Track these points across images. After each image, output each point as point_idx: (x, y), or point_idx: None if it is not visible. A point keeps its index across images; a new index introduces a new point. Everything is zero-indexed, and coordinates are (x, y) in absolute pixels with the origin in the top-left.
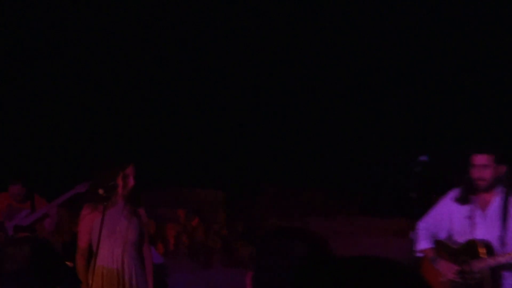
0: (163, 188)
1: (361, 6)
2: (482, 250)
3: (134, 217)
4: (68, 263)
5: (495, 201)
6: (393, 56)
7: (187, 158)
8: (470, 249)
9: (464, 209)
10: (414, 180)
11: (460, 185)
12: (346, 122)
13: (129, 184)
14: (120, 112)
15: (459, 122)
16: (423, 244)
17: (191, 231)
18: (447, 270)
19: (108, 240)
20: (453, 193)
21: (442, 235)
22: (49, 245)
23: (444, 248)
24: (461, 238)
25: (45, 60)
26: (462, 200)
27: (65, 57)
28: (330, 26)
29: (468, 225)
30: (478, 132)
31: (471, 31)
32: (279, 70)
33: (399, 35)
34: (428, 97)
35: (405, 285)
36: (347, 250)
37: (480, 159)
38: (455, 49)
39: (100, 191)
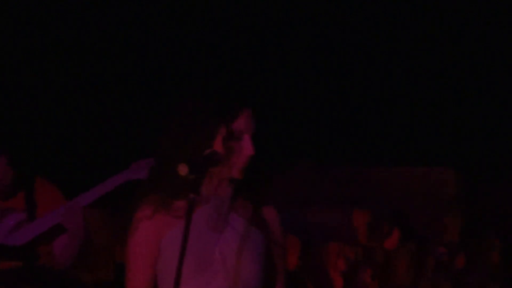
0: (315, 166)
1: None
2: None
3: (252, 229)
4: None
5: None
6: None
7: None
8: None
9: None
10: None
11: None
12: None
13: (242, 153)
14: None
15: None
16: None
17: (384, 262)
18: None
19: (197, 280)
20: None
21: None
22: None
23: None
24: None
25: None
26: None
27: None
28: None
29: None
30: None
31: None
32: None
33: None
34: None
35: None
36: None
37: None
38: None
39: (182, 170)
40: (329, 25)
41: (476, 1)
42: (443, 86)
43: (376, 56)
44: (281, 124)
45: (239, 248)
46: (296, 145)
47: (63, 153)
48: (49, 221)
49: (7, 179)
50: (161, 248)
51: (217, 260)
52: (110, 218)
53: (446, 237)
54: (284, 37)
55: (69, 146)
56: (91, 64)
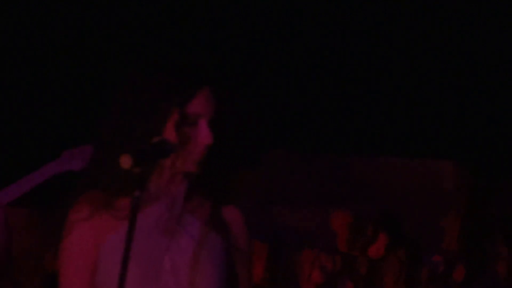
0: (287, 156)
1: None
2: None
3: (210, 233)
4: None
5: None
6: None
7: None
8: None
9: None
10: None
11: None
12: None
13: (198, 141)
14: None
15: None
16: None
17: (367, 273)
18: None
19: None
20: None
21: None
22: None
23: None
24: None
25: None
26: None
27: None
28: None
29: None
30: None
31: None
32: None
33: None
34: None
35: None
36: None
37: None
38: None
39: (125, 162)
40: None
41: None
42: (446, 70)
43: (362, 40)
44: (249, 107)
45: (194, 256)
46: (266, 131)
47: None
48: None
49: None
50: (100, 255)
51: (167, 271)
52: (38, 219)
53: (443, 243)
54: (261, 16)
55: None
56: None
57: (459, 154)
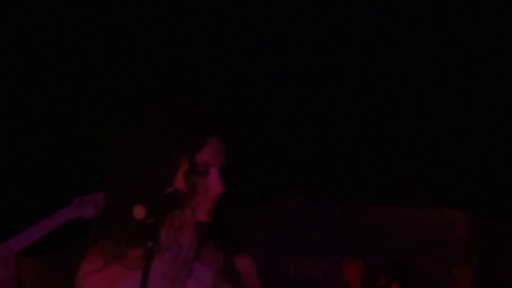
0: (299, 205)
1: None
2: None
3: (222, 284)
4: None
5: None
6: None
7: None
8: None
9: None
10: None
11: None
12: None
13: (209, 191)
14: None
15: None
16: None
17: None
18: None
19: None
20: None
21: None
22: None
23: None
24: None
25: None
26: None
27: None
28: None
29: None
30: None
31: None
32: None
33: None
34: None
35: None
36: None
37: None
38: None
39: (138, 213)
40: (307, 46)
41: None
42: (456, 119)
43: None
44: (260, 156)
45: None
46: (278, 180)
47: None
48: None
49: None
50: None
51: None
52: (49, 268)
53: None
54: (269, 57)
55: None
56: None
57: (471, 203)
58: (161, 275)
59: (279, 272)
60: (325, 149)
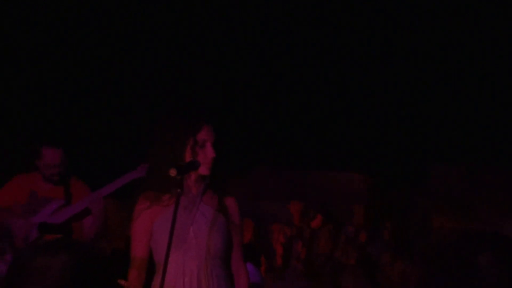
0: (266, 170)
1: None
2: None
3: (218, 215)
4: (120, 281)
5: None
6: None
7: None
8: None
9: None
10: None
11: None
12: None
13: (207, 156)
14: None
15: None
16: None
17: (310, 237)
18: None
19: (177, 251)
20: None
21: None
22: (93, 254)
23: None
24: None
25: None
26: None
27: None
28: None
29: None
30: None
31: None
32: None
33: None
34: None
35: None
36: None
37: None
38: None
39: (172, 172)
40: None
41: None
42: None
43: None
44: (239, 135)
45: (208, 228)
46: (252, 152)
47: (90, 158)
48: (80, 206)
49: (60, 169)
50: (153, 228)
51: (191, 237)
52: (122, 205)
53: (354, 220)
54: (244, 51)
55: (95, 154)
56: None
57: (367, 168)
58: (182, 210)
59: (253, 209)
60: (285, 131)
